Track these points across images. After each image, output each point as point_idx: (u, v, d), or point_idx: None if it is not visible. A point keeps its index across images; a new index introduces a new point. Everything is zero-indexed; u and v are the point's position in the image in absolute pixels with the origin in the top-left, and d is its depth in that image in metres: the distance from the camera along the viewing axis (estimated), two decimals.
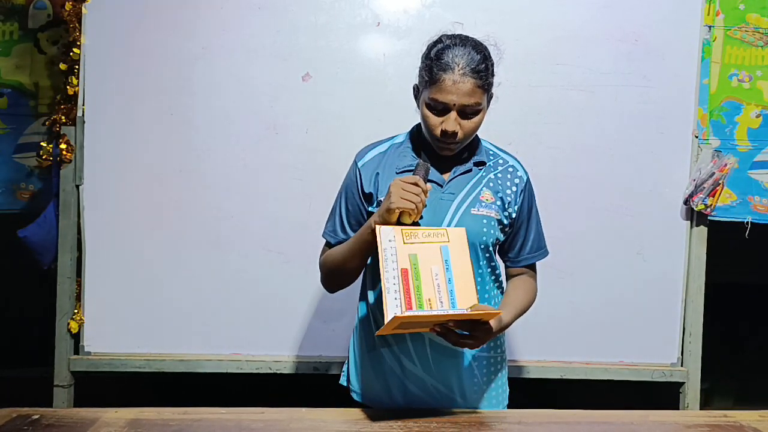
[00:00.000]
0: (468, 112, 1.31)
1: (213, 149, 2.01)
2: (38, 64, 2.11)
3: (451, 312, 1.23)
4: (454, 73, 1.27)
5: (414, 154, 1.41)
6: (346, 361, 1.57)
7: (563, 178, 2.03)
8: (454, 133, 1.31)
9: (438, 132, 1.32)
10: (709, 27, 2.05)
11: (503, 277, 1.51)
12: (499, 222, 1.41)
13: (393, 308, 1.21)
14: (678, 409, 2.10)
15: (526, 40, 2.01)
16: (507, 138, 1.80)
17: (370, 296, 1.45)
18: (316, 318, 2.05)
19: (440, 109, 1.30)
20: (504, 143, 1.53)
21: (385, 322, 1.19)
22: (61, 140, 1.98)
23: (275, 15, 2.00)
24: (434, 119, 1.32)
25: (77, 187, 2.01)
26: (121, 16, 1.98)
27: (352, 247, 1.37)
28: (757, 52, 2.06)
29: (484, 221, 1.39)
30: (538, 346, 2.06)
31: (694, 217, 2.07)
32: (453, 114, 1.30)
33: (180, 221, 2.02)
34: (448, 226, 1.36)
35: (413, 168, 1.37)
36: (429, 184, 1.32)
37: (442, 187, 1.39)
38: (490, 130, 1.47)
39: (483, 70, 1.29)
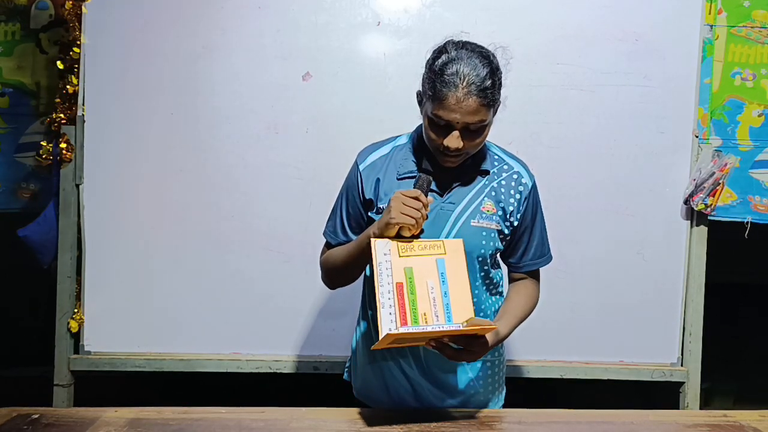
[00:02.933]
0: (472, 129, 1.26)
1: (213, 148, 2.01)
2: (40, 64, 2.11)
3: (446, 328, 1.21)
4: (458, 90, 1.21)
5: (415, 159, 1.38)
6: (349, 359, 1.57)
7: (563, 178, 2.03)
8: (457, 149, 1.27)
9: (440, 145, 1.28)
10: (710, 26, 2.05)
11: (502, 285, 1.50)
12: (500, 232, 1.39)
13: (387, 324, 1.20)
14: (678, 408, 2.10)
15: (526, 39, 2.01)
16: (507, 137, 1.80)
17: (371, 314, 1.44)
18: (316, 317, 2.05)
19: (443, 125, 1.26)
20: (504, 143, 1.52)
21: (380, 338, 1.19)
22: (61, 139, 1.98)
23: (276, 14, 2.00)
24: (437, 134, 1.27)
25: (77, 186, 2.01)
26: (121, 15, 1.98)
27: (351, 253, 1.36)
28: (763, 50, 2.04)
29: (484, 233, 1.36)
30: (538, 345, 2.06)
31: (695, 216, 2.07)
32: (456, 132, 1.25)
33: (180, 220, 2.02)
34: (447, 237, 1.34)
35: (414, 175, 1.35)
36: (430, 196, 1.30)
37: (442, 196, 1.36)
38: (491, 129, 1.47)
39: (489, 87, 1.23)
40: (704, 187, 2.01)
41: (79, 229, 2.02)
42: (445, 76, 1.23)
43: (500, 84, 1.28)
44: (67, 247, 2.01)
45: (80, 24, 1.97)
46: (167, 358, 2.03)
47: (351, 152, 1.47)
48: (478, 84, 1.22)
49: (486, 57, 1.27)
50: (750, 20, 2.03)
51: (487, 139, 1.44)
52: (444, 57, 1.26)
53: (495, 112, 1.32)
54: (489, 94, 1.24)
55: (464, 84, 1.22)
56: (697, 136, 2.06)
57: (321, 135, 2.01)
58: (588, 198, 2.05)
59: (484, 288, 1.42)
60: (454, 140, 1.26)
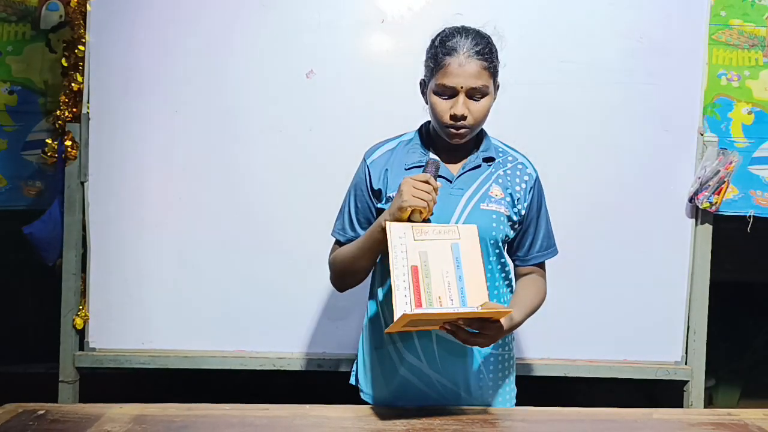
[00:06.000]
0: (475, 95, 1.31)
1: (217, 146, 2.02)
2: (49, 63, 2.13)
3: (461, 310, 1.22)
4: (460, 56, 1.29)
5: (423, 150, 1.42)
6: (356, 361, 1.57)
7: (567, 176, 2.02)
8: (464, 117, 1.31)
9: (447, 117, 1.32)
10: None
11: (512, 275, 1.50)
12: (509, 218, 1.41)
13: (402, 306, 1.21)
14: (682, 407, 2.09)
15: (530, 37, 2.00)
16: (511, 136, 1.79)
17: (380, 294, 1.45)
18: (320, 315, 2.05)
19: (448, 94, 1.31)
20: (508, 141, 1.52)
21: (395, 320, 1.19)
22: (65, 137, 1.99)
23: (279, 12, 2.00)
24: (443, 105, 1.32)
25: (82, 183, 2.01)
26: (126, 13, 1.99)
27: (363, 246, 1.37)
28: (743, 54, 2.09)
29: (494, 216, 1.38)
30: (542, 343, 2.06)
31: (699, 214, 2.06)
32: (461, 97, 1.31)
33: (184, 218, 2.02)
34: (458, 221, 1.36)
35: (422, 164, 1.37)
36: (439, 181, 1.33)
37: (451, 182, 1.39)
38: (495, 127, 1.47)
39: (488, 53, 1.31)
40: (709, 185, 2.01)
41: (84, 227, 2.02)
42: (446, 46, 1.31)
43: (497, 56, 1.35)
44: (72, 245, 2.02)
45: (85, 22, 1.97)
46: (171, 355, 2.04)
47: (355, 150, 1.47)
48: (478, 50, 1.30)
49: (481, 32, 1.36)
50: (727, 27, 2.08)
51: (490, 135, 1.47)
52: (443, 34, 1.35)
53: (496, 88, 1.37)
54: (489, 59, 1.31)
55: (465, 49, 1.30)
56: (702, 134, 2.05)
57: (325, 133, 2.01)
58: (592, 196, 2.05)
59: (499, 273, 1.43)
60: (459, 106, 1.31)
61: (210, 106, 2.01)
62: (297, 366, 2.05)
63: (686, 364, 2.08)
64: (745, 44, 2.07)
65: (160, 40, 2.00)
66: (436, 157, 1.38)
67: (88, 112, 2.00)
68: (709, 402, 2.70)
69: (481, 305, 1.24)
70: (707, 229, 2.07)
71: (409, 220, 1.28)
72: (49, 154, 2.01)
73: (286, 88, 2.01)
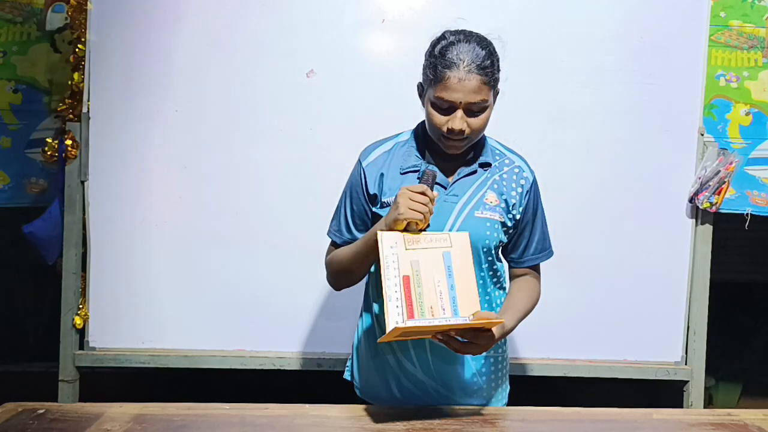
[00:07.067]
0: (474, 109, 1.29)
1: (217, 146, 2.02)
2: (53, 63, 2.13)
3: (452, 321, 1.22)
4: (460, 70, 1.25)
5: (418, 154, 1.40)
6: (350, 358, 1.57)
7: (568, 177, 2.02)
8: (461, 131, 1.29)
9: (444, 130, 1.30)
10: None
11: (505, 278, 1.50)
12: (503, 224, 1.40)
13: (394, 317, 1.21)
14: (682, 407, 2.09)
15: (530, 37, 2.00)
16: (511, 136, 1.80)
17: (375, 308, 1.45)
18: (319, 314, 2.06)
19: (446, 107, 1.28)
20: (508, 141, 1.52)
21: (387, 331, 1.19)
22: (66, 136, 1.99)
23: (279, 11, 2.00)
24: (440, 118, 1.30)
25: (82, 182, 2.02)
26: (127, 11, 1.99)
27: (359, 251, 1.36)
28: (743, 54, 2.09)
29: (488, 224, 1.37)
30: (541, 343, 2.06)
31: (699, 214, 2.06)
32: (459, 112, 1.28)
33: (184, 217, 2.02)
34: (452, 228, 1.35)
35: (418, 169, 1.37)
36: (435, 190, 1.31)
37: (446, 188, 1.38)
38: (494, 128, 1.47)
39: (488, 66, 1.27)
40: (709, 186, 2.01)
41: (84, 226, 2.02)
42: (446, 58, 1.27)
43: (499, 66, 1.32)
44: (72, 244, 2.02)
45: (86, 21, 1.97)
46: (171, 354, 2.04)
47: (355, 149, 1.47)
48: (479, 63, 1.26)
49: (483, 40, 1.32)
50: (727, 29, 2.08)
51: (488, 136, 1.46)
52: (443, 42, 1.30)
53: (495, 98, 1.34)
54: (489, 73, 1.28)
55: (465, 63, 1.26)
56: (702, 134, 2.05)
57: (325, 132, 2.01)
58: (592, 196, 2.05)
59: (490, 279, 1.43)
60: (458, 121, 1.28)
61: (210, 105, 2.01)
62: (296, 365, 2.06)
63: (686, 364, 2.09)
64: (745, 45, 2.08)
65: (160, 40, 1.99)
66: (434, 167, 1.36)
67: (88, 111, 2.00)
68: (709, 402, 2.70)
69: (473, 314, 1.23)
70: (707, 229, 2.07)
71: (405, 230, 1.27)
72: (49, 153, 2.02)
73: (286, 88, 2.01)
